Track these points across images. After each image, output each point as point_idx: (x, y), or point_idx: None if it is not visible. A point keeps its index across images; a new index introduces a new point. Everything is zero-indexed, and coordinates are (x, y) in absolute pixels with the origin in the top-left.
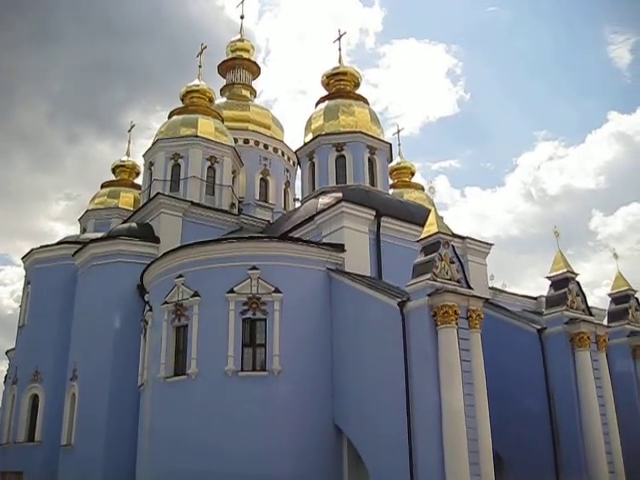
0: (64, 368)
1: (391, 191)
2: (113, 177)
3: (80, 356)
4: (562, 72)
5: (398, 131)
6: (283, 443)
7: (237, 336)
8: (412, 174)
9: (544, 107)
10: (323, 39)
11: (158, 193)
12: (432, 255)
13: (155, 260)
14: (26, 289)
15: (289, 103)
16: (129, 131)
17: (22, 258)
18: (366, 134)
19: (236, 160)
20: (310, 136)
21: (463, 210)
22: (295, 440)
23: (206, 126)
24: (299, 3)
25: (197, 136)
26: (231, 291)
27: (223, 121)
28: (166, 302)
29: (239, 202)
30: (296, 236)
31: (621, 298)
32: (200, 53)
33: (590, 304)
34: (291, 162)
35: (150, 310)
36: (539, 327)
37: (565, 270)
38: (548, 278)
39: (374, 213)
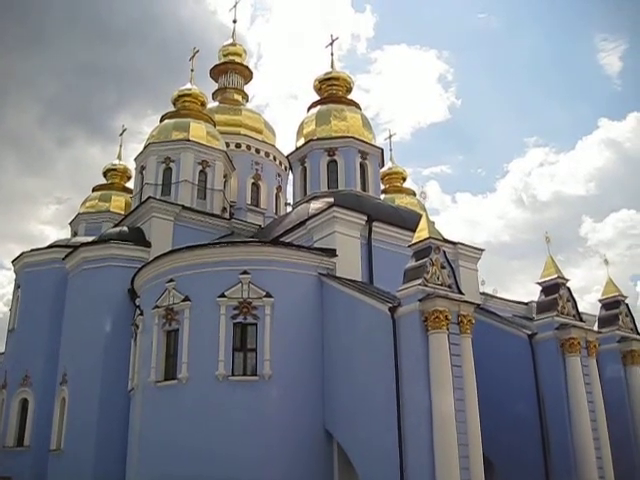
0: (54, 372)
1: (382, 196)
2: (104, 181)
3: (70, 360)
4: (553, 78)
5: (390, 136)
6: (273, 448)
7: (228, 340)
8: (404, 179)
9: (535, 113)
10: (315, 44)
11: (149, 197)
12: (423, 260)
13: (146, 264)
14: (16, 293)
15: (281, 108)
16: (121, 135)
17: (12, 262)
18: (358, 139)
19: (228, 164)
20: (302, 141)
21: (454, 216)
22: (285, 445)
23: (198, 130)
24: (291, 8)
25: (189, 140)
26: (222, 295)
27: (215, 125)
28: (157, 306)
29: (230, 206)
30: (287, 241)
31: (611, 304)
32: (192, 57)
33: (580, 310)
34: (283, 167)
35: (141, 314)
36: (530, 332)
37: (556, 276)
38: (539, 284)
39: (365, 218)
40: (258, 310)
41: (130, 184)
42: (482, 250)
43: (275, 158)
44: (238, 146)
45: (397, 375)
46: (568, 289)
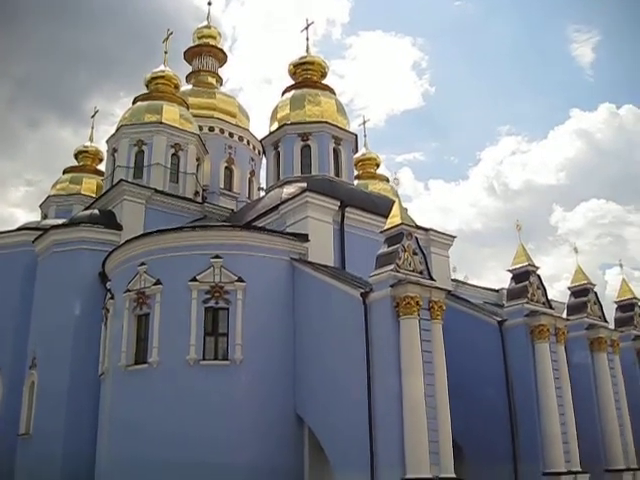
0: (23, 356)
1: (356, 182)
2: (75, 163)
3: (40, 344)
4: (526, 68)
5: (364, 122)
6: (244, 432)
7: (199, 325)
8: (377, 165)
9: (508, 102)
10: (290, 28)
11: (121, 180)
12: (395, 246)
13: (117, 247)
14: None
15: (255, 92)
16: (92, 117)
17: None
18: (332, 124)
19: (201, 148)
20: (276, 125)
21: (427, 203)
22: (256, 429)
23: (171, 113)
24: None
25: (162, 123)
26: (194, 280)
27: (188, 108)
28: (128, 290)
29: (203, 190)
30: (260, 225)
31: (580, 292)
32: (166, 39)
33: (550, 297)
34: (256, 151)
35: (112, 298)
36: (500, 319)
37: (526, 263)
38: (509, 271)
39: (338, 204)
40: (230, 294)
41: (102, 167)
42: (454, 237)
43: (249, 142)
44: (211, 129)
45: (368, 360)
46: (538, 277)
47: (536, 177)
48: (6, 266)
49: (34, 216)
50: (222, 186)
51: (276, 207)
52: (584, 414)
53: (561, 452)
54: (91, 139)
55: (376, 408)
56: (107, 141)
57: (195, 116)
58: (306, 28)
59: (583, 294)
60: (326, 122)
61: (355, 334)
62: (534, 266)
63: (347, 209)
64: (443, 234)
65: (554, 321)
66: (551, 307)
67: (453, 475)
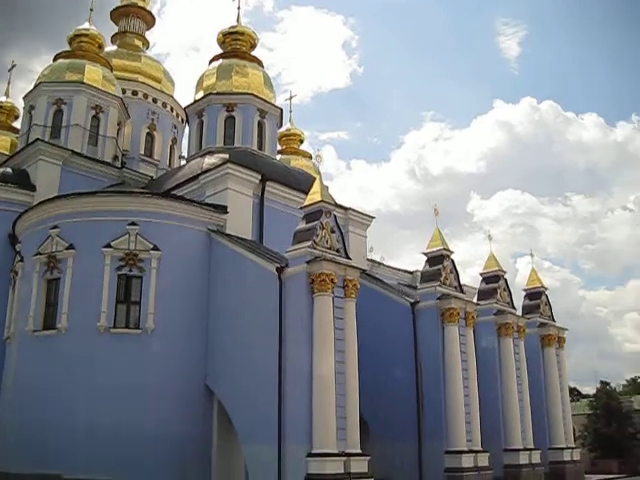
0: None
1: (278, 157)
2: None
3: None
4: (454, 56)
5: (290, 97)
6: (152, 402)
7: (111, 292)
8: (301, 142)
9: (434, 88)
10: None
11: (37, 139)
12: (313, 223)
13: (29, 209)
14: None
15: (182, 58)
16: (9, 70)
17: None
18: (258, 97)
19: (122, 111)
20: (201, 94)
21: (348, 182)
22: (164, 398)
23: (93, 73)
24: None
25: (83, 83)
26: (108, 246)
27: (112, 70)
28: (39, 253)
29: (123, 155)
30: (179, 194)
31: (491, 278)
32: None
33: (462, 282)
34: (179, 119)
35: (21, 260)
36: (412, 300)
37: (441, 247)
38: (424, 254)
39: (259, 177)
40: (144, 263)
41: (17, 124)
42: (372, 217)
43: (172, 109)
44: (135, 93)
45: (280, 334)
46: (452, 261)
47: (457, 164)
48: None
49: None
50: (142, 152)
51: (196, 177)
52: (488, 396)
53: (464, 432)
54: (7, 94)
55: (286, 382)
56: (24, 97)
57: (118, 79)
58: None
59: (494, 280)
60: (252, 94)
61: (269, 308)
62: (449, 250)
63: (268, 183)
64: (362, 214)
65: (464, 305)
66: (462, 291)
67: (359, 451)
